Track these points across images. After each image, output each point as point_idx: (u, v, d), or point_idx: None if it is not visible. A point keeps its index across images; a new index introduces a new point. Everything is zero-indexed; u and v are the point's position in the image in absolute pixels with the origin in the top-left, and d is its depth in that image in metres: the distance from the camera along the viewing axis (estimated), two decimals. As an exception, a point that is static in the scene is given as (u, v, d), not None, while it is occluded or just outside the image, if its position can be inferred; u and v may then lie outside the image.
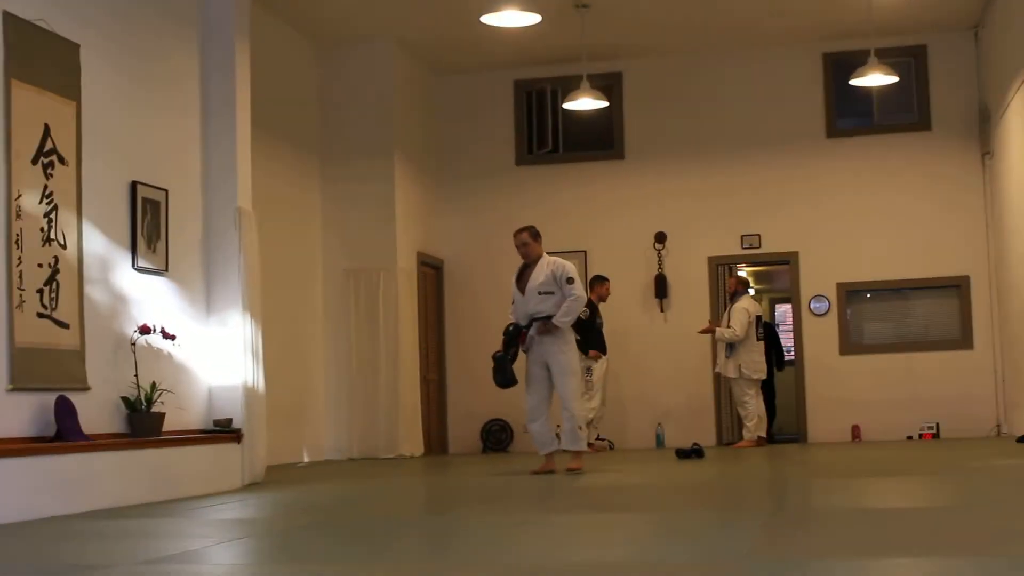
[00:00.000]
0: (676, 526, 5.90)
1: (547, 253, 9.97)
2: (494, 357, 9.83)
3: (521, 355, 9.88)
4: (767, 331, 14.76)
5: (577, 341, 13.91)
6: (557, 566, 4.57)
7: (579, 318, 13.95)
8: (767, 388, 14.82)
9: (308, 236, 13.97)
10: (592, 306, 13.90)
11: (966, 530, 5.30)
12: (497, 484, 8.60)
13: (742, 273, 15.50)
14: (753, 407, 13.98)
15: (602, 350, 13.84)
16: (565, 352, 9.67)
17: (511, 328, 9.81)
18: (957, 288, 14.82)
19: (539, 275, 9.67)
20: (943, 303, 14.92)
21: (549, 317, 9.59)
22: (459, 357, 15.49)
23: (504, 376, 9.79)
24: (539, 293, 9.65)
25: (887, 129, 15.20)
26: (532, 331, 9.64)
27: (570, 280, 9.64)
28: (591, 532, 5.81)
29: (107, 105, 8.80)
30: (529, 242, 9.78)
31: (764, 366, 14.19)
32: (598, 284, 14.22)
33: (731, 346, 14.01)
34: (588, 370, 13.68)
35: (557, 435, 10.00)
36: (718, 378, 14.80)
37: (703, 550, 4.88)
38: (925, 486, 7.96)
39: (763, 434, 14.07)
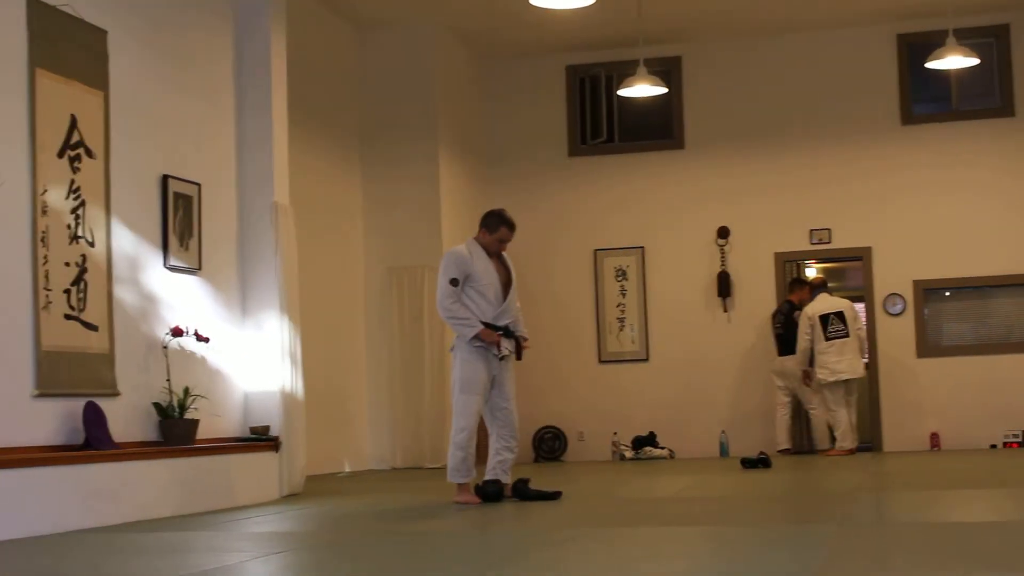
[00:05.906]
0: (739, 541, 5.86)
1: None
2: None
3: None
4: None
5: (782, 347, 14.13)
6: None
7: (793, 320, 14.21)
8: None
9: (349, 233, 14.01)
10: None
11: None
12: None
13: (811, 272, 15.37)
14: (843, 415, 13.84)
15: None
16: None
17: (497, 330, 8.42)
18: (1044, 286, 14.65)
19: (510, 273, 8.52)
20: (1029, 302, 14.75)
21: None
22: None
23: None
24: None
25: (967, 115, 15.03)
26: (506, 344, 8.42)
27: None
28: (648, 546, 5.78)
29: (136, 95, 8.86)
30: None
31: (842, 365, 13.85)
32: (799, 287, 14.50)
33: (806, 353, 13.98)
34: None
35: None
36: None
37: (767, 567, 4.85)
38: (1011, 499, 7.86)
39: (853, 445, 13.92)
